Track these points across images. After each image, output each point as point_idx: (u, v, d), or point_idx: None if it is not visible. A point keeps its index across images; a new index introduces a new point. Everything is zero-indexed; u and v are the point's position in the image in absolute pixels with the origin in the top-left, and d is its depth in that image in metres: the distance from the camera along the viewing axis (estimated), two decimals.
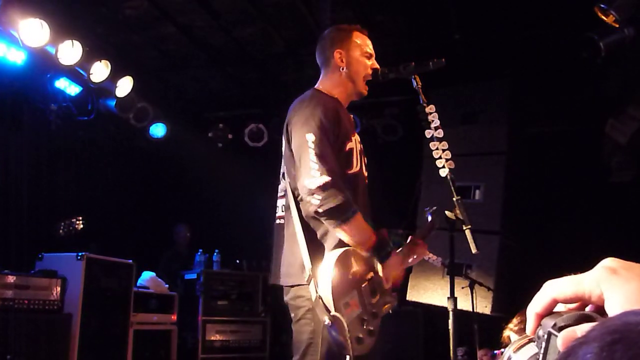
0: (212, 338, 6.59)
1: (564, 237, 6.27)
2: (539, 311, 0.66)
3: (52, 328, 4.63)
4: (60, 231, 5.23)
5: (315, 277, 2.64)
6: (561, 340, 0.58)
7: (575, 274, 0.66)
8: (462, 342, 6.03)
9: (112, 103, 6.78)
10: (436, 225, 3.34)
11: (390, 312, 5.16)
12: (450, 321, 2.80)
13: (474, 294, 5.33)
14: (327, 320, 2.55)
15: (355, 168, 2.90)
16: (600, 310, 0.62)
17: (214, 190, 8.32)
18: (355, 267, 2.71)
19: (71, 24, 5.58)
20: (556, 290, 0.65)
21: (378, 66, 3.11)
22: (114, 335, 5.30)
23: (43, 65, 5.98)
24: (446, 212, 2.90)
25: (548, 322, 0.62)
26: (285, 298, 2.88)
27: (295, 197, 2.82)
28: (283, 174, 2.96)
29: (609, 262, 0.64)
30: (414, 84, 3.01)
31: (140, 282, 6.01)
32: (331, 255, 2.67)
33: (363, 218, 2.75)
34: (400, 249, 2.95)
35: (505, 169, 6.21)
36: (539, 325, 0.65)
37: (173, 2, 5.77)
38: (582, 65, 5.72)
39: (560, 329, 0.60)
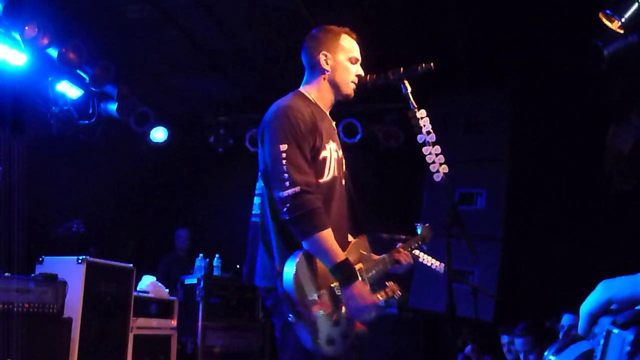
0: (212, 343, 6.56)
1: (565, 244, 6.26)
2: (593, 311, 0.66)
3: (51, 332, 4.59)
4: (61, 234, 5.22)
5: (280, 273, 2.56)
6: None
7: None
8: (464, 349, 6.01)
9: (113, 107, 6.78)
10: (425, 240, 3.32)
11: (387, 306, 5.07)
12: (448, 327, 2.78)
13: (476, 301, 5.31)
14: (290, 317, 2.48)
15: (327, 177, 2.80)
16: None
17: (215, 194, 8.31)
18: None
19: (73, 27, 5.58)
20: (613, 290, 0.64)
21: (362, 72, 3.04)
22: (113, 340, 5.27)
23: (44, 68, 5.99)
24: (443, 217, 2.89)
25: (605, 320, 0.63)
26: (267, 302, 2.77)
27: (269, 198, 2.76)
28: (260, 172, 2.89)
29: None
30: (403, 89, 2.96)
31: (140, 286, 5.99)
32: (298, 251, 2.60)
33: (335, 233, 2.65)
34: (368, 283, 2.79)
35: (508, 176, 6.21)
36: (592, 324, 0.65)
37: (175, 7, 5.77)
38: (585, 73, 5.72)
39: (622, 325, 0.60)
